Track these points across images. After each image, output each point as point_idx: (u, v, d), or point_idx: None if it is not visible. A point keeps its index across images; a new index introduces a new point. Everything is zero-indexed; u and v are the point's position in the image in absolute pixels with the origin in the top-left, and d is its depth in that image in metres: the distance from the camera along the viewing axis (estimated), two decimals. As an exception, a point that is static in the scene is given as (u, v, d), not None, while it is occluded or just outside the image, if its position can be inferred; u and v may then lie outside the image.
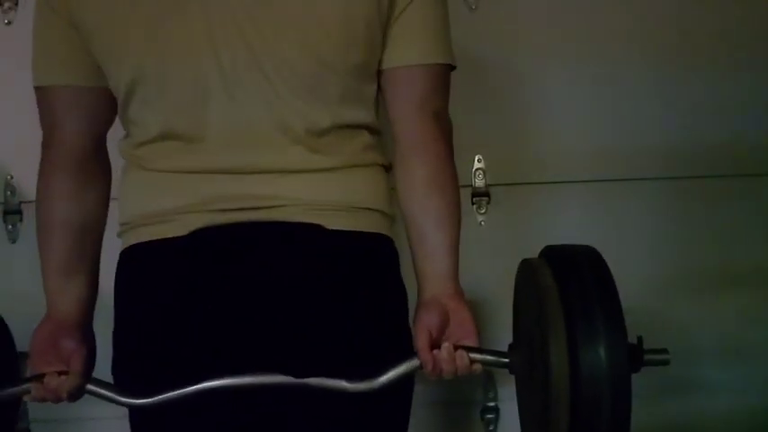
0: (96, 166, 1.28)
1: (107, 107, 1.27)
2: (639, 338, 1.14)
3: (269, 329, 1.17)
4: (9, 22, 2.03)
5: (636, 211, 2.13)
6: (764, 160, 2.14)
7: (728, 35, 2.12)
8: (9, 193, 2.04)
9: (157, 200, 1.22)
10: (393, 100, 1.27)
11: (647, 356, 1.14)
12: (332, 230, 1.20)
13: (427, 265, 1.23)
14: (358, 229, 1.22)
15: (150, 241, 1.22)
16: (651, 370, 1.15)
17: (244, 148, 1.20)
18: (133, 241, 1.24)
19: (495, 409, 2.13)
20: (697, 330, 2.11)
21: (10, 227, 2.04)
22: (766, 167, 2.14)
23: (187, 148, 1.21)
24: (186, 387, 1.16)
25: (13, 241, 2.04)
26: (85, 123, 1.26)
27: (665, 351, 1.16)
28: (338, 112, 1.22)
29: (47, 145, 1.27)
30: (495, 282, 1.89)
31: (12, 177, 2.04)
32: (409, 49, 1.25)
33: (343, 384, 1.17)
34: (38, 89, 1.26)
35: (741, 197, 2.14)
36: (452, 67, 1.29)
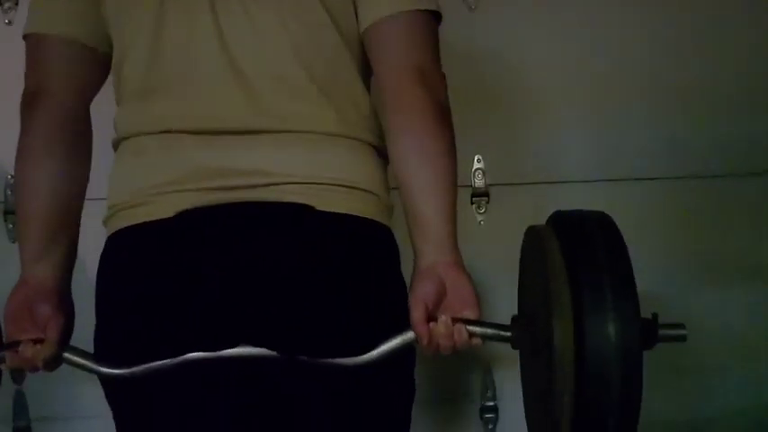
0: (82, 129, 1.24)
1: (100, 73, 1.24)
2: (654, 315, 1.06)
3: (262, 323, 1.13)
4: (9, 22, 2.04)
5: (636, 211, 2.12)
6: (764, 160, 2.14)
7: (729, 35, 2.12)
8: (9, 191, 2.04)
9: (144, 173, 1.18)
10: (374, 62, 1.21)
11: (662, 331, 1.06)
12: (324, 212, 1.15)
13: (419, 233, 1.15)
14: (353, 213, 1.17)
15: (137, 225, 1.17)
16: (661, 352, 1.07)
17: (234, 104, 1.17)
18: (120, 225, 1.19)
19: (495, 409, 2.13)
20: (698, 330, 2.10)
21: (10, 226, 2.05)
22: (766, 167, 2.14)
23: (173, 103, 1.18)
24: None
25: (14, 241, 2.04)
26: (78, 83, 1.22)
27: (681, 326, 1.08)
28: (333, 66, 1.20)
29: (33, 103, 1.21)
30: (494, 282, 1.89)
31: (12, 177, 2.04)
32: (375, 3, 1.18)
33: (335, 359, 1.12)
34: (33, 37, 1.22)
35: (741, 197, 2.14)
36: (436, 16, 1.21)
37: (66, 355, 1.17)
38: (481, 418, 2.14)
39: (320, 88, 1.19)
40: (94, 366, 1.16)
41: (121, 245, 1.19)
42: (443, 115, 1.17)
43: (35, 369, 1.17)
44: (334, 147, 1.19)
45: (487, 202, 2.11)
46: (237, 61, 1.18)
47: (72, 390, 1.98)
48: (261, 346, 1.12)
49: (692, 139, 2.13)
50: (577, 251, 1.06)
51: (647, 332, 1.03)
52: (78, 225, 1.24)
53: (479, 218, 2.11)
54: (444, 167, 1.15)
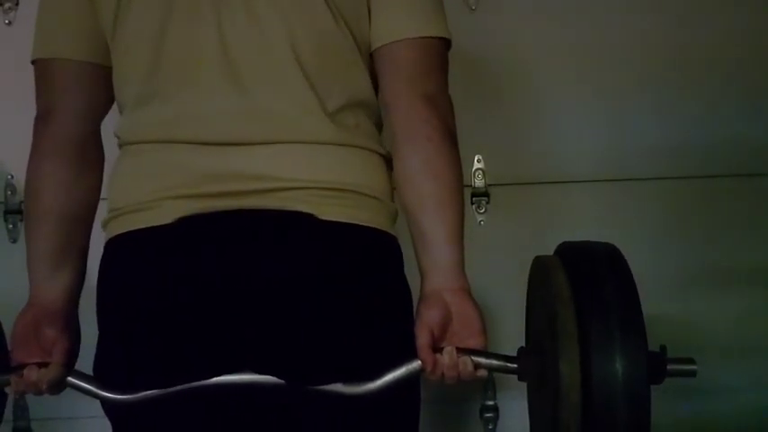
0: (92, 153, 1.23)
1: (108, 90, 1.22)
2: (663, 347, 1.06)
3: (263, 347, 1.12)
4: (9, 23, 2.04)
5: (636, 210, 2.13)
6: (764, 160, 2.14)
7: (729, 35, 2.12)
8: (9, 192, 2.05)
9: (144, 178, 1.17)
10: (384, 83, 1.20)
11: (671, 366, 1.05)
12: (326, 222, 1.13)
13: (427, 258, 1.15)
14: (356, 222, 1.15)
15: (136, 231, 1.15)
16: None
17: (234, 112, 1.15)
18: (119, 230, 1.17)
19: (495, 408, 2.13)
20: (698, 329, 2.11)
21: (10, 226, 2.05)
22: (766, 167, 2.14)
23: (173, 110, 1.16)
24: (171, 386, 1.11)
25: (14, 241, 2.05)
26: (86, 104, 1.21)
27: (690, 361, 1.07)
28: (343, 74, 1.18)
29: (42, 126, 1.20)
30: (495, 282, 1.89)
31: (12, 177, 2.04)
32: (392, 24, 1.18)
33: (339, 387, 1.11)
34: (39, 63, 1.22)
35: (741, 197, 2.14)
36: (447, 43, 1.20)
37: (71, 379, 1.17)
38: (481, 417, 2.14)
39: (325, 97, 1.17)
40: (98, 391, 1.15)
41: (120, 253, 1.18)
42: (453, 141, 1.17)
43: (40, 392, 1.16)
44: (338, 153, 1.17)
45: (487, 203, 2.11)
46: (239, 67, 1.15)
47: (72, 390, 1.97)
48: (263, 369, 1.12)
49: (692, 139, 2.13)
50: (585, 284, 1.05)
51: (656, 367, 1.03)
52: (85, 250, 1.23)
53: (479, 218, 2.11)
54: (455, 192, 1.16)
